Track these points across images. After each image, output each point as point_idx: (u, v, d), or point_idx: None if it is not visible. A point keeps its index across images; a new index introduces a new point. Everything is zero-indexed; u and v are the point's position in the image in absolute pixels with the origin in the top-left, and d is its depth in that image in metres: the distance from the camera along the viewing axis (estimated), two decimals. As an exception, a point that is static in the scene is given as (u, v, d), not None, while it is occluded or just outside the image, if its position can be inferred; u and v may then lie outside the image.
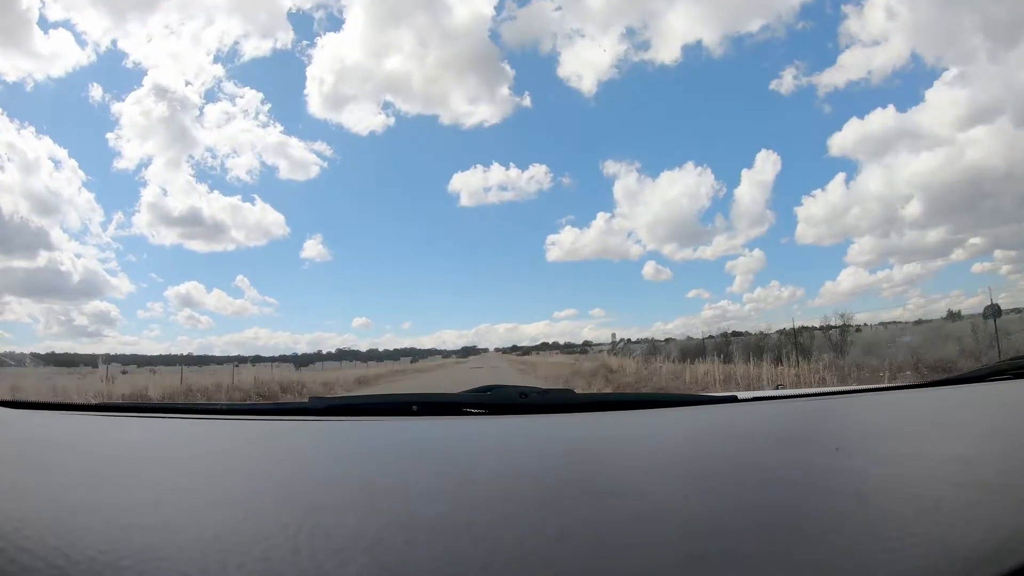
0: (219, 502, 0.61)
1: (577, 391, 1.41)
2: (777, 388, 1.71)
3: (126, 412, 1.45)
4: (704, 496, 0.59)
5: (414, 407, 1.25)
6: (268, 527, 0.50)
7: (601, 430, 1.06)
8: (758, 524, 0.50)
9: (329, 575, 0.40)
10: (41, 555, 0.44)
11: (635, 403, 1.34)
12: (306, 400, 1.40)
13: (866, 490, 0.59)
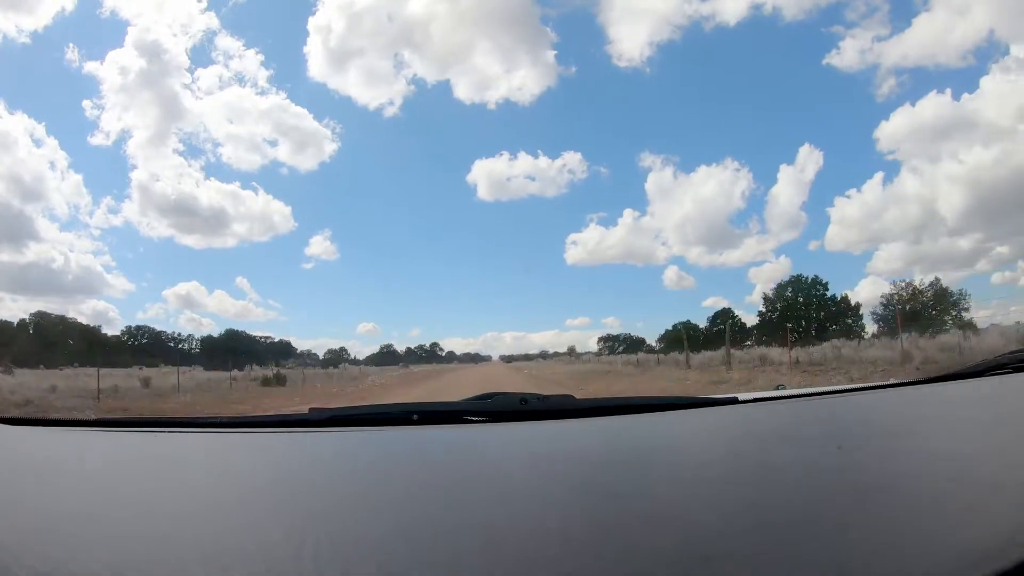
0: (221, 515, 0.61)
1: (577, 396, 1.41)
2: (777, 388, 1.71)
3: (126, 427, 1.44)
4: (707, 498, 0.59)
5: (414, 416, 1.24)
6: (271, 539, 0.49)
7: (603, 435, 1.05)
8: (761, 524, 0.50)
9: None
10: (43, 570, 0.44)
11: (636, 407, 1.34)
12: (306, 411, 1.40)
13: (868, 488, 0.59)
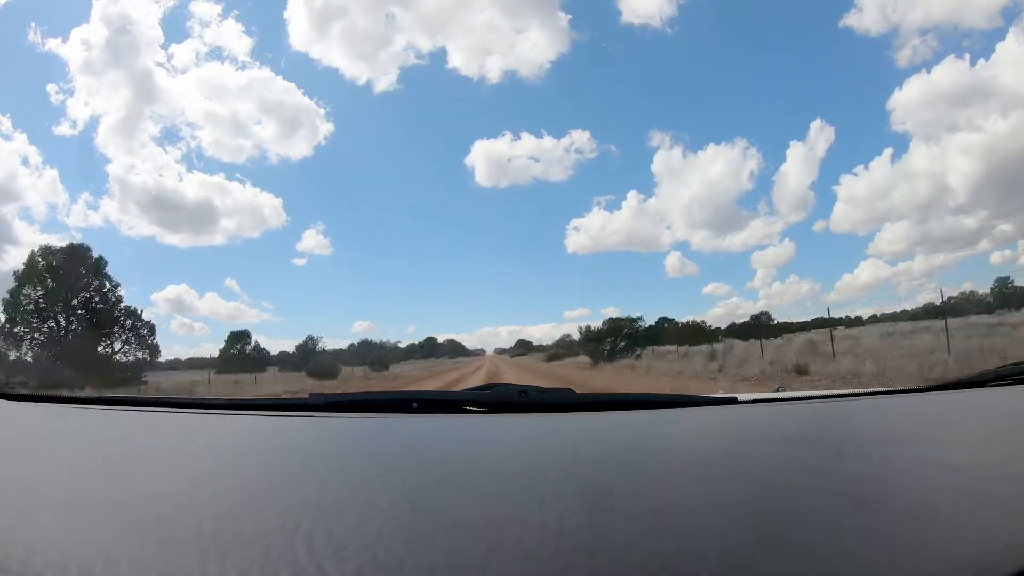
0: (218, 497, 0.61)
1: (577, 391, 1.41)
2: (778, 390, 1.72)
3: (125, 406, 1.45)
4: (703, 497, 0.59)
5: (414, 404, 1.25)
6: (267, 523, 0.50)
7: (601, 430, 1.06)
8: (756, 526, 0.50)
9: (328, 572, 0.40)
10: (38, 549, 0.44)
11: (635, 403, 1.34)
12: (306, 396, 1.40)
13: (865, 495, 0.58)
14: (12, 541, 0.45)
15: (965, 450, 0.83)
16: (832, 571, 0.41)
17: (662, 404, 1.33)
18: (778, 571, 0.41)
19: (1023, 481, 0.64)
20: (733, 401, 1.33)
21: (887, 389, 1.61)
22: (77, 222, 25.54)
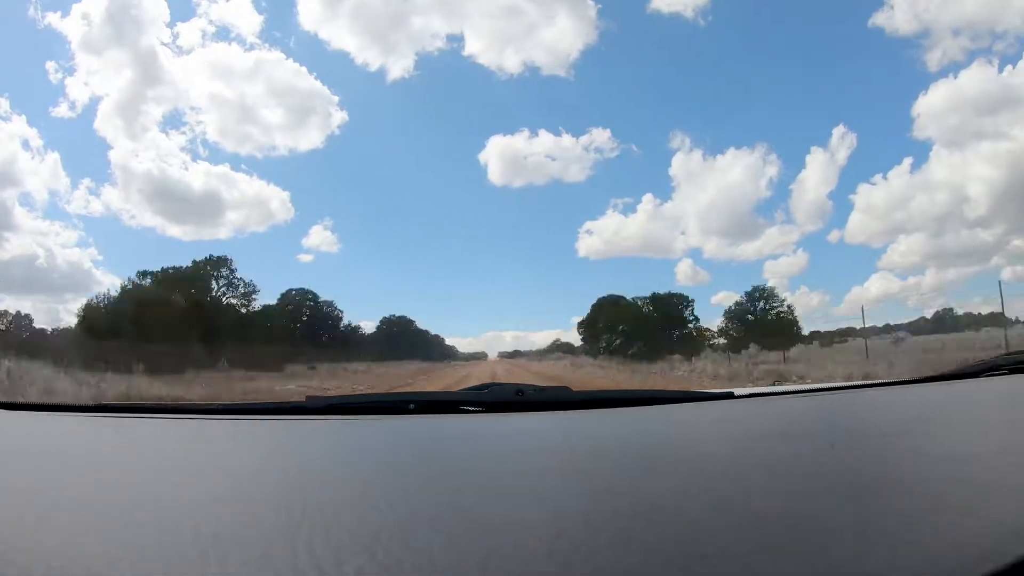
0: (217, 501, 0.61)
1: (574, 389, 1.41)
2: (774, 384, 1.73)
3: (122, 413, 1.44)
4: (701, 493, 0.59)
5: (411, 405, 1.25)
6: (266, 526, 0.50)
7: (598, 427, 1.06)
8: (755, 521, 0.50)
9: (328, 573, 0.40)
10: (39, 555, 0.44)
11: (632, 400, 1.34)
12: (303, 399, 1.41)
13: (863, 487, 0.59)
14: (13, 549, 0.45)
15: (960, 440, 0.84)
16: (832, 565, 0.41)
17: (659, 400, 1.33)
18: (778, 567, 0.41)
19: (1021, 469, 0.65)
20: (730, 396, 1.33)
21: (882, 381, 1.62)
22: (78, 209, 24.47)
